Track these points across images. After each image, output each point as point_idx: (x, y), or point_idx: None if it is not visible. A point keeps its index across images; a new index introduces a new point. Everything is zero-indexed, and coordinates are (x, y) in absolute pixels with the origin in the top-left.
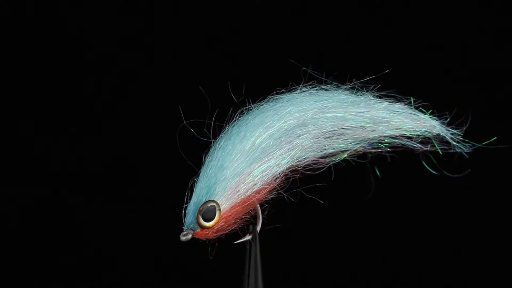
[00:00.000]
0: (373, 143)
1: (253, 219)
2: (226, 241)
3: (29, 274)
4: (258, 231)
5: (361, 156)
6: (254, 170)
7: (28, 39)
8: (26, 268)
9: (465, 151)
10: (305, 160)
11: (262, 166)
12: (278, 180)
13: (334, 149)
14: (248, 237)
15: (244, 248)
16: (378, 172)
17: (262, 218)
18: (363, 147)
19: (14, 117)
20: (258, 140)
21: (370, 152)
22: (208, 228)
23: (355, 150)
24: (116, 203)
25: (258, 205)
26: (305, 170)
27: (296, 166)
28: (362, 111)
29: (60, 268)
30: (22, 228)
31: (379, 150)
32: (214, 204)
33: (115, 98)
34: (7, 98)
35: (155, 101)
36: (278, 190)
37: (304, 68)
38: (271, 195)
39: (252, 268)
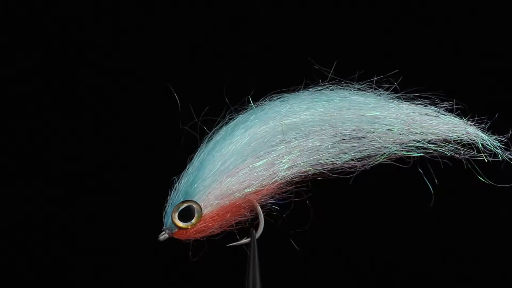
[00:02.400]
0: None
1: (247, 222)
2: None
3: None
4: (258, 236)
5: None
6: (240, 171)
7: (23, 36)
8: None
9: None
10: (327, 163)
11: (251, 167)
12: (277, 183)
13: (349, 152)
14: (244, 241)
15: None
16: (435, 180)
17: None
18: (399, 151)
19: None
20: (245, 140)
21: (408, 157)
22: (185, 228)
23: (390, 154)
24: (109, 203)
25: (259, 208)
26: (335, 173)
27: (317, 169)
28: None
29: (53, 269)
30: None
31: (417, 155)
32: (193, 204)
33: (112, 97)
34: None
35: (152, 101)
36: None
37: (316, 66)
38: (272, 197)
39: (250, 273)
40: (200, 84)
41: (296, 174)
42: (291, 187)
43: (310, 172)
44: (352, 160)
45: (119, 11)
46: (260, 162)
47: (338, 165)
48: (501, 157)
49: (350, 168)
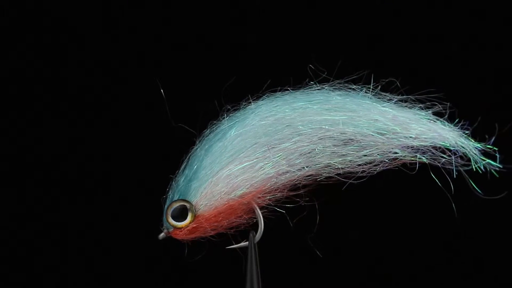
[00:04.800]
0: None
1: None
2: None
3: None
4: (258, 239)
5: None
6: (229, 171)
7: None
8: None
9: (495, 168)
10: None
11: (238, 167)
12: (271, 185)
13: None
14: (243, 244)
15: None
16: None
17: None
18: (402, 156)
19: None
20: (235, 141)
21: (410, 163)
22: (179, 228)
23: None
24: (110, 202)
25: (258, 210)
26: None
27: (322, 172)
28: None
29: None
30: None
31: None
32: (185, 204)
33: (110, 96)
34: None
35: (150, 99)
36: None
37: (311, 66)
38: (269, 200)
39: (248, 278)
40: (199, 81)
41: (298, 178)
42: (301, 191)
43: (317, 176)
44: (359, 164)
45: (115, 6)
46: (246, 164)
47: (346, 170)
48: (482, 166)
49: (358, 172)
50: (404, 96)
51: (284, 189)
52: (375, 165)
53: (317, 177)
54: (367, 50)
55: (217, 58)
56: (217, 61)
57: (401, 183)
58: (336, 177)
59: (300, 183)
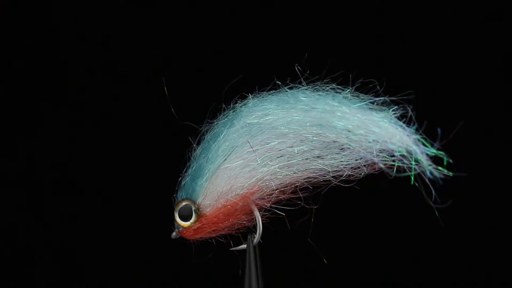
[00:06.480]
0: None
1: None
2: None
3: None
4: (256, 241)
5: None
6: (221, 172)
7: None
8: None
9: (442, 176)
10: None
11: (231, 168)
12: (263, 186)
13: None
14: (243, 246)
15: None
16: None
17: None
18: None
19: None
20: (222, 141)
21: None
22: (185, 228)
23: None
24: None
25: (256, 211)
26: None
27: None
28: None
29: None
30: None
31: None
32: (189, 203)
33: (107, 97)
34: None
35: (149, 99)
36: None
37: (296, 65)
38: (268, 202)
39: (246, 281)
40: (200, 79)
41: (295, 180)
42: (302, 193)
43: (316, 179)
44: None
45: (117, 4)
46: (237, 163)
47: (337, 173)
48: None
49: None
50: (378, 98)
51: (285, 191)
52: (356, 169)
53: (316, 179)
54: (353, 50)
55: (214, 58)
56: (214, 61)
57: (399, 184)
58: (332, 180)
59: (300, 186)
